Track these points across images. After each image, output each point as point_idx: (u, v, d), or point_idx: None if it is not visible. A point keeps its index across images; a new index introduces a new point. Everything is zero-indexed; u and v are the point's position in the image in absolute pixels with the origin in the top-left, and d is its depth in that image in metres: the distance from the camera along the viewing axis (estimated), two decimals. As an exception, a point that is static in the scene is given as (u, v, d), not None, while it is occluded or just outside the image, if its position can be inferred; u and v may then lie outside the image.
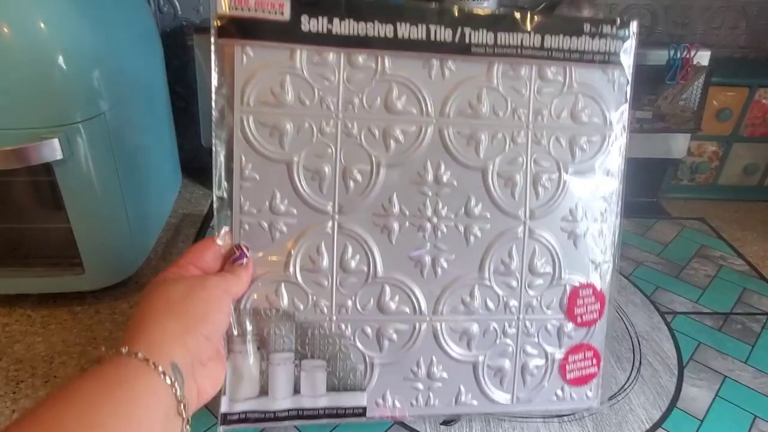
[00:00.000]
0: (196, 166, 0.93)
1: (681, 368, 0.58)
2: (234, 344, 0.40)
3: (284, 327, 0.41)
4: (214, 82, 0.38)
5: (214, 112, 0.39)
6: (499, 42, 0.41)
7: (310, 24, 0.39)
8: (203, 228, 0.80)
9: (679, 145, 0.88)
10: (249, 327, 0.40)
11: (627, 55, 0.43)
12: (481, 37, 0.41)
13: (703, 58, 0.82)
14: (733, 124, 0.90)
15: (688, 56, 0.81)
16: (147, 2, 0.79)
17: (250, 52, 0.39)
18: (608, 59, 0.43)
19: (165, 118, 0.77)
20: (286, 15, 0.38)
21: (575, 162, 0.44)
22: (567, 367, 0.45)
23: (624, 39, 0.43)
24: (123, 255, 0.60)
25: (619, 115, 0.44)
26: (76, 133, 0.50)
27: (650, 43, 0.89)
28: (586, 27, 0.42)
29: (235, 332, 0.39)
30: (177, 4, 0.85)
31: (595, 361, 0.45)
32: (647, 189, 0.95)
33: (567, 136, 0.43)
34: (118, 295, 0.61)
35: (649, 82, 0.83)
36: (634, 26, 0.43)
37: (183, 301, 0.34)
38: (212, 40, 0.37)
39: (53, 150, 0.49)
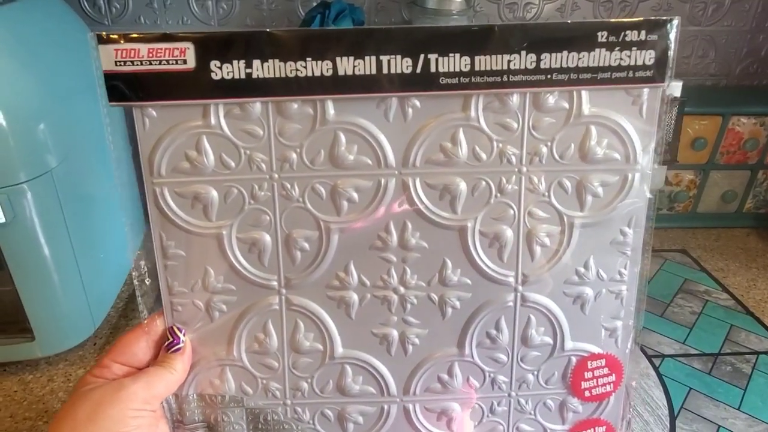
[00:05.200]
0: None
1: (673, 419, 0.55)
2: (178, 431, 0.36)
3: (233, 414, 0.37)
4: (111, 147, 0.32)
5: (117, 182, 0.32)
6: (477, 68, 0.31)
7: (222, 71, 0.31)
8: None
9: (655, 175, 0.79)
10: (194, 414, 0.36)
11: (662, 66, 0.32)
12: (452, 63, 0.31)
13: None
14: (709, 153, 0.90)
15: None
16: None
17: (152, 113, 0.32)
18: (634, 75, 0.32)
19: (123, 166, 0.72)
20: (191, 63, 0.30)
21: (585, 211, 0.34)
22: (571, 443, 0.38)
23: (657, 46, 0.31)
24: (78, 317, 0.56)
25: (648, 147, 0.33)
26: (21, 194, 0.47)
27: None
28: (601, 36, 0.31)
29: (177, 418, 0.36)
30: None
31: (607, 435, 0.38)
32: None
33: (574, 179, 0.34)
34: (74, 360, 0.58)
35: None
36: (674, 25, 0.31)
37: (90, 421, 0.30)
38: (101, 104, 0.30)
39: None
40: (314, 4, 0.83)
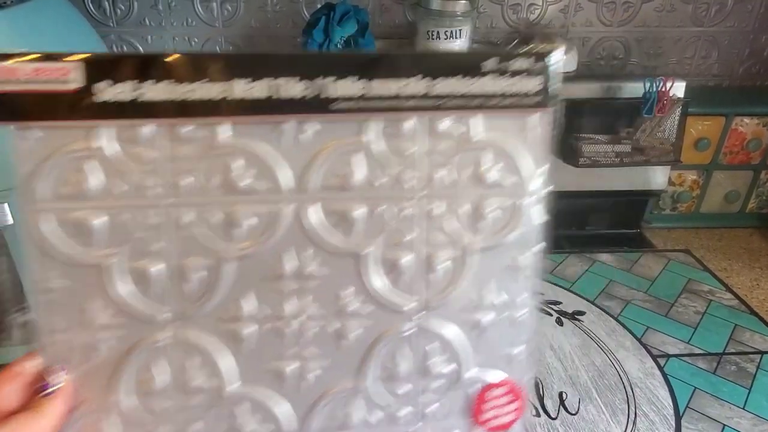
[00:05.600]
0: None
1: (678, 419, 0.64)
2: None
3: (117, 462, 0.37)
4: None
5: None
6: (370, 93, 0.36)
7: (111, 92, 0.35)
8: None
9: (659, 176, 1.01)
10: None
11: (549, 93, 0.39)
12: (345, 88, 0.35)
13: (678, 89, 0.92)
14: (712, 153, 1.03)
15: (664, 89, 0.91)
16: (108, 49, 0.88)
17: (34, 135, 0.36)
18: (522, 102, 0.39)
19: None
20: (77, 83, 0.35)
21: (481, 236, 0.39)
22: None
23: (544, 74, 0.39)
24: None
25: (539, 172, 0.41)
26: None
27: (624, 75, 1.05)
28: (490, 63, 0.39)
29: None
30: (141, 50, 0.97)
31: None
32: (629, 221, 1.09)
33: (469, 204, 0.39)
34: None
35: (626, 115, 0.95)
36: (558, 54, 0.39)
37: None
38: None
39: (3, 215, 0.51)
40: (318, 5, 0.91)
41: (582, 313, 0.82)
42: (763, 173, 1.04)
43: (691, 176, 1.06)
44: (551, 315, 0.81)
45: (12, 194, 0.52)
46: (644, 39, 1.05)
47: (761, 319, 0.81)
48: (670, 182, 1.05)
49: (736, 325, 0.80)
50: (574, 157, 0.91)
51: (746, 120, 1.01)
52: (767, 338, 0.77)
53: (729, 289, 0.88)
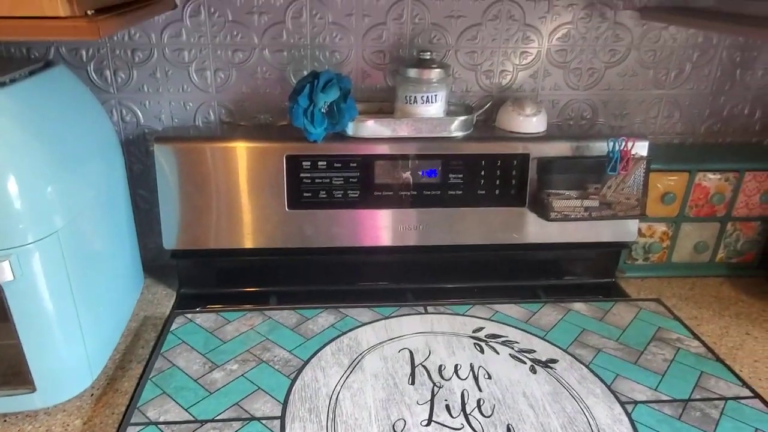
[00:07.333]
0: (159, 264, 1.05)
1: None
2: None
3: None
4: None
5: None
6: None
7: None
8: (164, 331, 0.86)
9: (629, 228, 1.06)
10: None
11: None
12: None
13: (641, 148, 0.99)
14: (679, 206, 1.08)
15: (626, 149, 0.96)
16: (108, 113, 0.93)
17: None
18: None
19: (125, 224, 0.84)
20: None
21: None
22: None
23: None
24: (77, 369, 0.66)
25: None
26: (28, 254, 0.56)
27: (592, 134, 1.11)
28: None
29: None
30: (139, 113, 1.02)
31: None
32: (604, 271, 1.14)
33: None
34: (72, 411, 0.68)
35: (594, 172, 1.01)
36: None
37: None
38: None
39: (2, 273, 0.55)
40: (305, 73, 1.00)
41: (555, 361, 0.85)
42: (729, 225, 1.10)
43: (660, 228, 1.10)
44: (525, 363, 0.84)
45: (12, 252, 0.55)
46: (610, 101, 1.12)
47: (726, 365, 0.84)
48: (641, 233, 1.10)
49: (702, 372, 0.83)
50: (545, 211, 0.97)
51: (710, 175, 1.07)
52: (731, 384, 0.80)
53: (697, 337, 0.92)
